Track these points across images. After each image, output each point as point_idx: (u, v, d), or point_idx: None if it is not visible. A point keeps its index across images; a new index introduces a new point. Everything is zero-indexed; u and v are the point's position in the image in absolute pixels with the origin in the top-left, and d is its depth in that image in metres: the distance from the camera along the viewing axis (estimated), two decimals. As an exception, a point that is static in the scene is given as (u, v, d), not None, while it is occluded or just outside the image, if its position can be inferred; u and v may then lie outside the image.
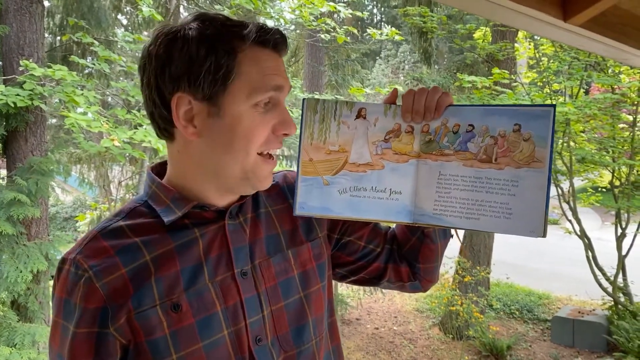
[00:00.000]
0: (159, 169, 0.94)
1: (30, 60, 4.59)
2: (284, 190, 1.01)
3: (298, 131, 0.93)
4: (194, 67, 0.79)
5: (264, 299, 0.88)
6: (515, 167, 0.86)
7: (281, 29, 0.90)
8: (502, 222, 0.86)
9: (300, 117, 0.95)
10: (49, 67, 4.43)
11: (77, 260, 0.80)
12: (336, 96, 8.05)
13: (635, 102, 6.15)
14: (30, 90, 4.32)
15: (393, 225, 1.11)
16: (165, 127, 0.85)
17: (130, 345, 0.80)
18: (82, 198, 13.24)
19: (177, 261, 0.82)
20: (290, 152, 10.56)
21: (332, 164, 0.93)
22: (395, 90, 0.94)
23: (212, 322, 0.82)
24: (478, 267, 6.94)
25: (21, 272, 4.44)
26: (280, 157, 10.64)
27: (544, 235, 0.83)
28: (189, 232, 0.85)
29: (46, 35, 7.63)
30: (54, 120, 8.30)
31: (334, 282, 1.09)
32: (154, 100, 0.83)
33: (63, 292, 0.80)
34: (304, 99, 0.94)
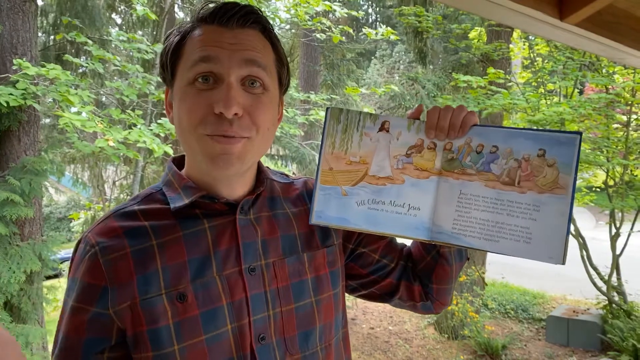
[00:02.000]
0: (181, 161, 0.95)
1: (24, 59, 4.55)
2: (303, 195, 1.00)
3: (319, 139, 0.93)
4: (161, 59, 0.87)
5: (273, 297, 0.87)
6: (537, 192, 0.85)
7: (276, 27, 0.88)
8: (521, 246, 0.84)
9: (322, 126, 0.94)
10: (43, 66, 4.40)
11: (87, 237, 0.83)
12: (332, 95, 8.04)
13: (629, 102, 6.18)
14: (23, 89, 4.29)
15: (409, 243, 1.09)
16: None
17: (128, 332, 0.80)
18: (76, 198, 13.19)
19: (184, 250, 0.82)
20: (286, 152, 10.53)
21: (352, 174, 0.92)
22: (421, 106, 0.94)
23: (217, 316, 0.81)
24: (473, 267, 6.95)
25: (14, 272, 4.40)
26: (275, 157, 10.61)
27: (563, 263, 0.82)
28: (198, 222, 0.85)
29: (39, 34, 7.58)
30: (47, 120, 8.25)
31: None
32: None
33: (71, 270, 0.83)
34: (327, 108, 0.94)
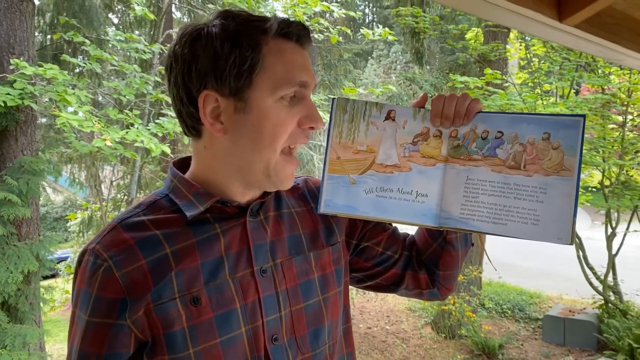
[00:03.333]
0: (181, 164, 0.94)
1: (21, 58, 4.54)
2: (304, 194, 1.01)
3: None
4: (219, 63, 0.79)
5: (283, 298, 0.87)
6: (543, 174, 0.86)
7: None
8: (529, 228, 0.86)
9: (329, 116, 0.95)
10: (40, 65, 4.39)
11: (96, 250, 0.80)
12: (329, 95, 8.05)
13: (625, 103, 6.21)
14: (20, 89, 4.27)
15: (412, 232, 1.10)
16: (193, 125, 0.85)
17: (146, 338, 0.80)
18: (73, 198, 13.14)
19: (197, 255, 0.82)
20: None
21: (360, 163, 0.93)
22: (425, 94, 0.95)
23: (231, 318, 0.81)
24: (470, 267, 6.97)
25: (11, 272, 4.38)
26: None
27: (571, 243, 0.84)
28: (210, 227, 0.85)
29: (36, 33, 7.56)
30: (44, 120, 8.23)
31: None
32: (182, 99, 0.83)
33: (82, 282, 0.80)
34: (333, 99, 0.95)
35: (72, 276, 0.92)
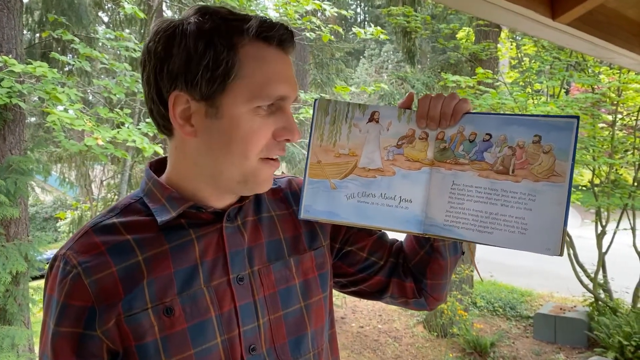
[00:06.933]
0: (158, 166, 0.90)
1: (9, 56, 4.48)
2: (287, 196, 0.96)
3: (308, 132, 0.90)
4: (191, 64, 0.75)
5: (261, 306, 0.83)
6: (533, 180, 0.81)
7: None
8: (517, 237, 0.81)
9: (310, 118, 0.92)
10: (29, 63, 4.34)
11: (66, 255, 0.77)
12: (321, 94, 8.05)
13: (615, 102, 6.26)
14: (8, 87, 4.22)
15: (401, 238, 1.06)
16: (164, 124, 0.82)
17: (117, 349, 0.76)
18: (63, 198, 13.03)
19: (170, 263, 0.78)
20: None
21: (341, 167, 0.89)
22: (411, 94, 0.91)
23: (206, 329, 0.78)
24: (462, 265, 6.99)
25: (0, 273, 4.34)
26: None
27: (561, 254, 0.79)
28: (184, 233, 0.81)
29: (25, 31, 7.48)
30: (33, 119, 8.14)
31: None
32: (153, 98, 0.80)
33: (52, 289, 0.77)
34: (315, 99, 0.92)
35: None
